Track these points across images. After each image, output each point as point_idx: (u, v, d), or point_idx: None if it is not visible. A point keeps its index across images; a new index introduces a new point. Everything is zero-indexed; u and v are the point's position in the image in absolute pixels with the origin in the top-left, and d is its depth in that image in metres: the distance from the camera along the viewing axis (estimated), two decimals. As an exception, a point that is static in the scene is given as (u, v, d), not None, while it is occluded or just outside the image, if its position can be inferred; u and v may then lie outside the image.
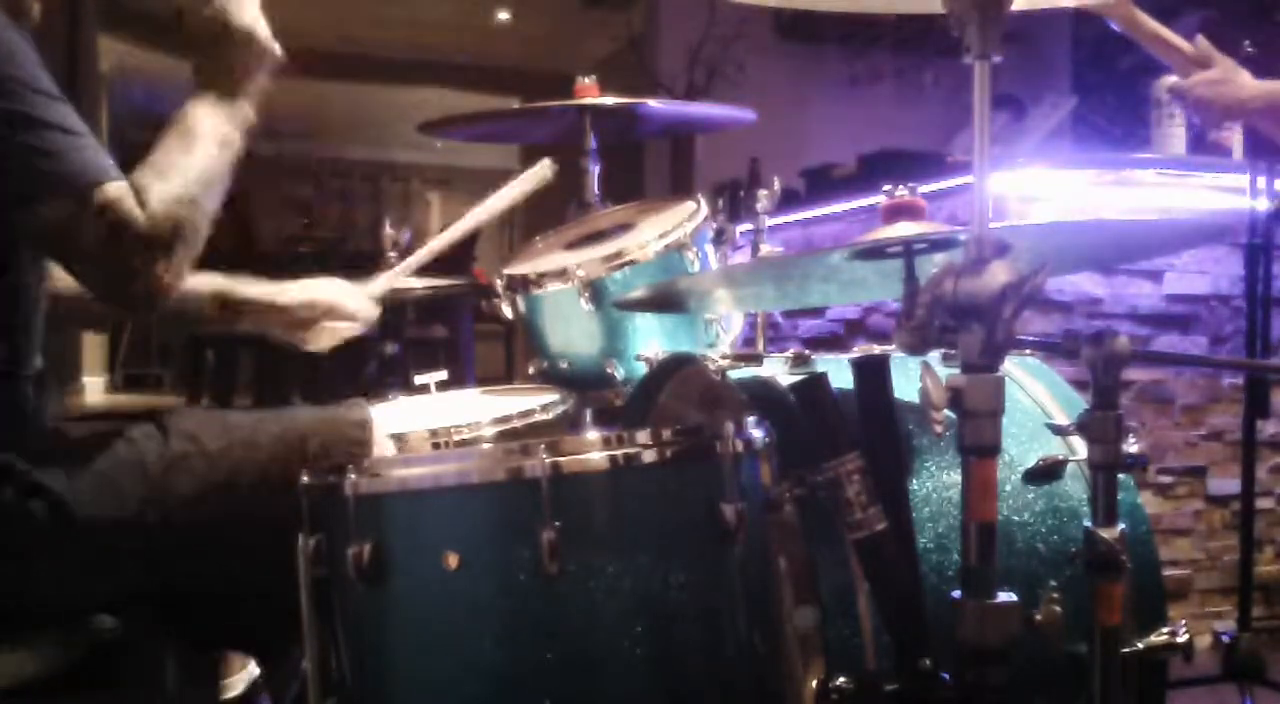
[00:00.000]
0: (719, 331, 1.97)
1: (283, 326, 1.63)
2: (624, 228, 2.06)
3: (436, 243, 1.88)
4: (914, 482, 1.36)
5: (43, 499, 1.22)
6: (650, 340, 1.92)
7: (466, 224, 1.89)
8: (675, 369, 1.62)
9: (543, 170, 1.91)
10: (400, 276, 1.83)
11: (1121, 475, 1.15)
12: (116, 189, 1.17)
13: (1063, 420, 1.43)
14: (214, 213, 1.25)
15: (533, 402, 1.77)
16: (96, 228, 1.16)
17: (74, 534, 1.24)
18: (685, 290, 1.68)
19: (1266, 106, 1.95)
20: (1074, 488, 1.41)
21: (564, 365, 2.00)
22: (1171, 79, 2.04)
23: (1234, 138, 2.98)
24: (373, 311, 1.71)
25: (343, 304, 1.65)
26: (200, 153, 1.25)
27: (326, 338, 1.67)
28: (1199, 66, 1.96)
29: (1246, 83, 1.94)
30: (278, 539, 1.19)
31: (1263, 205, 2.35)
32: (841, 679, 1.22)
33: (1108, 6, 1.96)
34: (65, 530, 1.23)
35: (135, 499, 1.26)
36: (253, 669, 1.53)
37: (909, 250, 1.24)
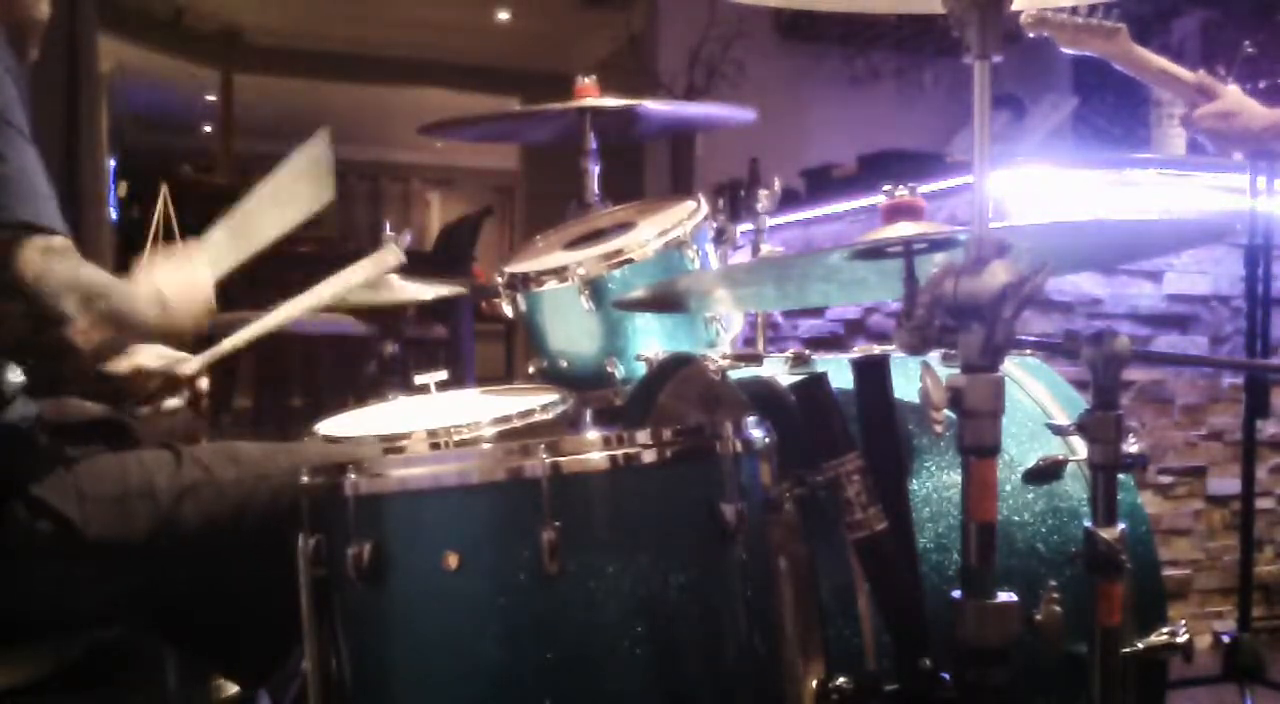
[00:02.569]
0: (719, 331, 1.97)
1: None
2: (624, 227, 2.06)
3: (259, 324, 1.63)
4: (914, 482, 1.36)
5: (51, 520, 1.24)
6: (650, 340, 1.92)
7: (300, 305, 1.66)
8: (675, 369, 1.62)
9: (389, 255, 1.76)
10: (221, 351, 1.61)
11: (1121, 475, 1.15)
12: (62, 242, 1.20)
13: (1063, 420, 1.43)
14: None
15: (533, 402, 1.77)
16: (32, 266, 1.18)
17: (81, 555, 1.25)
18: (685, 290, 1.68)
19: (1279, 136, 1.96)
20: (1074, 488, 1.41)
21: (564, 364, 2.00)
22: (1181, 110, 2.05)
23: (1234, 138, 2.98)
24: (192, 367, 1.56)
25: (170, 369, 1.54)
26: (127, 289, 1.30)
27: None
28: (1205, 97, 1.97)
29: (1256, 112, 1.95)
30: (282, 566, 1.20)
31: (1263, 205, 2.35)
32: (841, 679, 1.22)
33: (1108, 47, 1.97)
34: (73, 551, 1.25)
35: (145, 524, 1.28)
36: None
37: (909, 250, 1.23)
